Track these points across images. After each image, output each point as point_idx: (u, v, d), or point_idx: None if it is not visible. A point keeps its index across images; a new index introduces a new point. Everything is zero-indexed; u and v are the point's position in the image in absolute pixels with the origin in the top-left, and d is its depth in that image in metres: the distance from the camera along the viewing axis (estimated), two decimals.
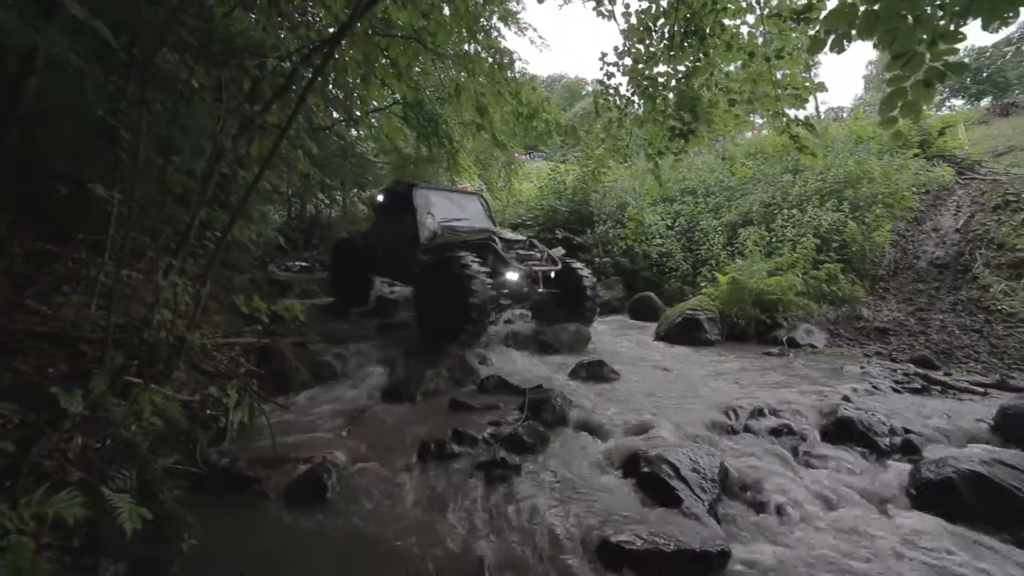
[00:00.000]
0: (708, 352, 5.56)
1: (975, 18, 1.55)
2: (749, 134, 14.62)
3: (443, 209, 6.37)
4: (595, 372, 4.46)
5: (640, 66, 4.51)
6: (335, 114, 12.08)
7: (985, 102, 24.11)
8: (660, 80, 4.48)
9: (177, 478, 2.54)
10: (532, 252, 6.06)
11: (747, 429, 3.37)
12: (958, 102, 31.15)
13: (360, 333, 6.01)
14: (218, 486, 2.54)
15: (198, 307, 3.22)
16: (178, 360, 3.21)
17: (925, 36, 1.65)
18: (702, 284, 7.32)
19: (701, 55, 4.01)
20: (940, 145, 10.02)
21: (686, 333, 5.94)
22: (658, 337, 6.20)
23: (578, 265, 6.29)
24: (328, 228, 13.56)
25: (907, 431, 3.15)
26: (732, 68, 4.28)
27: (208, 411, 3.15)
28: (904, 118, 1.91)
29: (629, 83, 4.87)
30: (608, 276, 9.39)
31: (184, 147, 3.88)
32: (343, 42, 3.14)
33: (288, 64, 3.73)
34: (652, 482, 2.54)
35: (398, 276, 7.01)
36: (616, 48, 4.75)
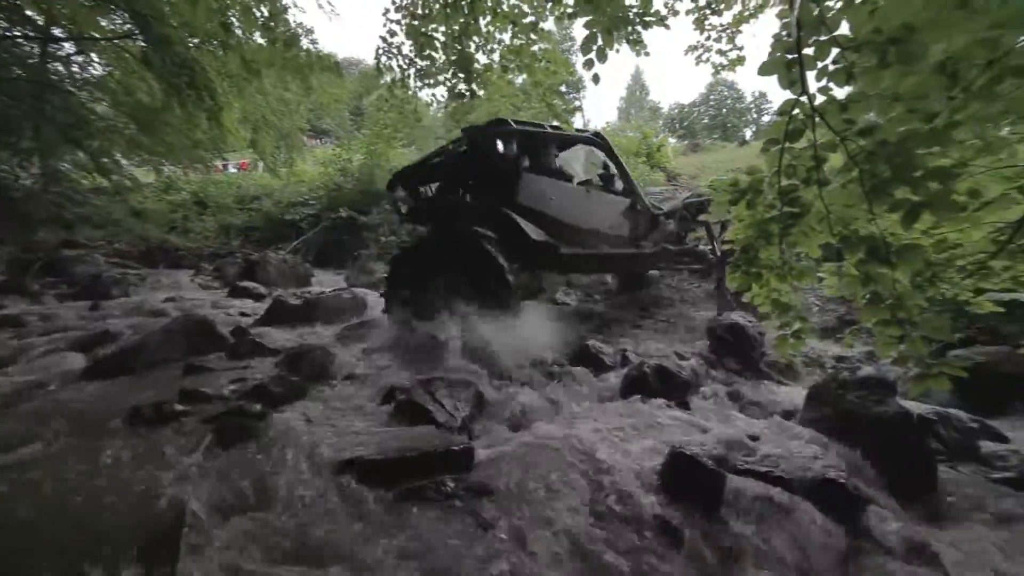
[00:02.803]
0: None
1: None
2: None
3: None
4: (368, 331, 4.29)
5: (416, 23, 4.51)
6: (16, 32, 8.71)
7: (685, 142, 33.62)
8: (438, 40, 4.56)
9: None
10: None
11: (514, 362, 3.68)
12: (672, 140, 42.50)
13: None
14: None
15: None
16: None
17: None
18: None
19: (472, 19, 4.23)
20: (658, 158, 13.00)
21: None
22: None
23: None
24: (12, 202, 9.67)
25: (625, 351, 3.93)
26: (504, 38, 4.61)
27: None
28: (599, 61, 2.32)
29: (410, 41, 4.83)
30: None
31: None
32: None
33: None
34: (409, 407, 2.55)
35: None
36: (395, 2, 4.66)
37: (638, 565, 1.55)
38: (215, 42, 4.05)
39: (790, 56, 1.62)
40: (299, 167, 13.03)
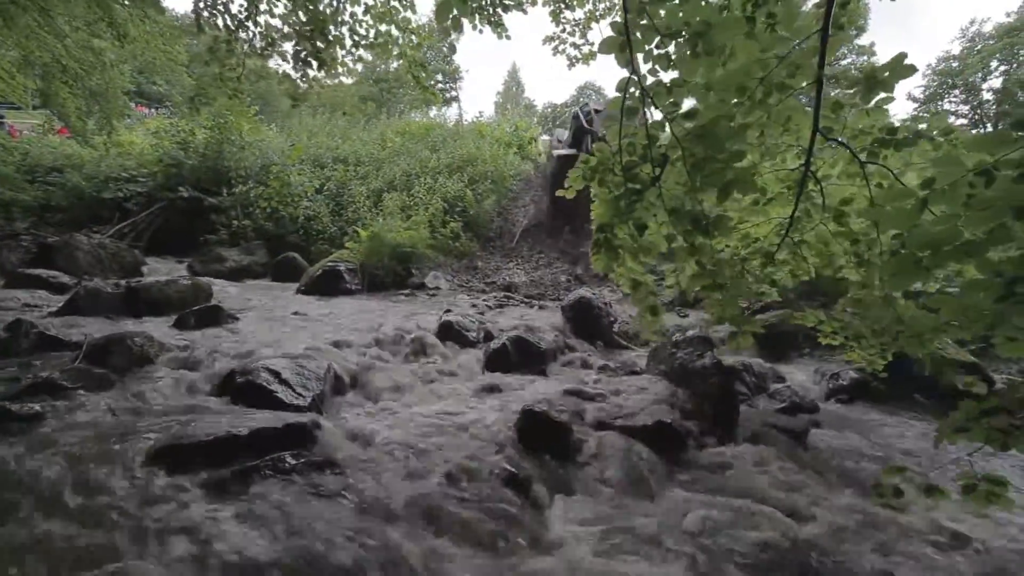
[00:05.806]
0: (349, 298, 5.63)
1: None
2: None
3: None
4: (208, 318, 3.73)
5: None
6: None
7: None
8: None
9: None
10: None
11: (376, 342, 3.52)
12: (544, 136, 44.45)
13: None
14: None
15: None
16: None
17: None
18: (348, 244, 7.38)
19: None
20: (529, 150, 13.52)
21: (327, 284, 5.85)
22: (299, 292, 5.86)
23: None
24: None
25: (487, 327, 4.00)
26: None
27: None
28: (454, 31, 2.29)
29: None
30: (250, 240, 8.30)
31: None
32: None
33: None
34: (249, 390, 2.29)
35: None
36: None
37: (484, 515, 1.58)
38: None
39: (623, 38, 1.76)
40: (124, 137, 10.89)
